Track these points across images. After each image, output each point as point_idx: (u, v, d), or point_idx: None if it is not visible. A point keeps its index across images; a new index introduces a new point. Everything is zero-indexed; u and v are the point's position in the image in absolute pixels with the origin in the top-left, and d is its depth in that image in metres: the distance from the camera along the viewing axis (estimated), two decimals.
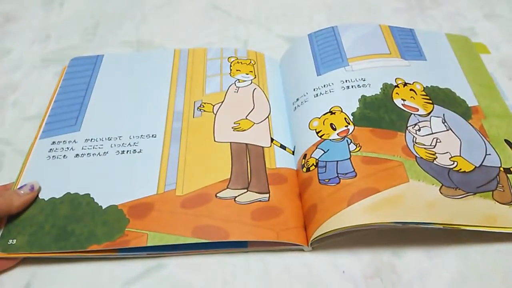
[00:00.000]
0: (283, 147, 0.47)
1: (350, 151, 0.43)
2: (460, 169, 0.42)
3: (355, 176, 0.41)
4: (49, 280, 0.40)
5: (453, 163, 0.42)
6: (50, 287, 0.39)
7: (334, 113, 0.46)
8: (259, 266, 0.40)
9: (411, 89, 0.48)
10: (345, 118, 0.45)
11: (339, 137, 0.44)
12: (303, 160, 0.44)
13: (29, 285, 0.40)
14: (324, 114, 0.46)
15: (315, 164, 0.43)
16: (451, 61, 0.53)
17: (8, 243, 0.40)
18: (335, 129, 0.45)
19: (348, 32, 0.54)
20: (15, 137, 0.52)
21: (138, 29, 0.66)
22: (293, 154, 0.47)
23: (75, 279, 0.40)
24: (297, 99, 0.50)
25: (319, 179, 0.42)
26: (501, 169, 0.43)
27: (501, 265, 0.39)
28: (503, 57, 0.58)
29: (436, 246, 0.41)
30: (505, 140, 0.45)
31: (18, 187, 0.43)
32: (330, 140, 0.44)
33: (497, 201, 0.41)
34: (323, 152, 0.44)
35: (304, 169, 0.44)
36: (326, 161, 0.43)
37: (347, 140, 0.44)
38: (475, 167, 0.42)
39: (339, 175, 0.41)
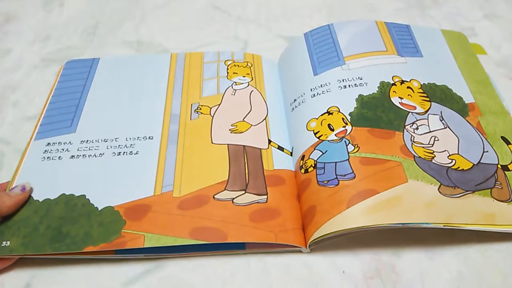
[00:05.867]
0: (280, 148, 0.47)
1: (348, 152, 0.43)
2: (459, 167, 0.42)
3: (354, 177, 0.41)
4: (49, 280, 0.39)
5: (452, 161, 0.42)
6: (50, 287, 0.39)
7: (332, 114, 0.46)
8: (259, 266, 0.40)
9: (408, 87, 0.48)
10: (342, 119, 0.45)
11: (337, 138, 0.44)
12: (301, 161, 0.44)
13: (29, 285, 0.39)
14: (321, 115, 0.46)
15: (313, 165, 0.43)
16: (447, 57, 0.54)
17: (2, 245, 0.39)
18: (333, 130, 0.45)
19: (344, 29, 0.54)
20: (15, 137, 0.51)
21: (138, 29, 0.66)
22: (291, 155, 0.46)
23: (75, 279, 0.39)
24: (295, 100, 0.50)
25: (317, 181, 0.42)
26: (499, 166, 0.43)
27: (501, 265, 0.39)
28: (503, 57, 0.58)
29: (436, 246, 0.40)
30: (502, 137, 0.45)
31: (10, 188, 0.43)
32: (328, 141, 0.44)
33: (496, 199, 0.41)
34: (321, 153, 0.44)
35: (302, 171, 0.44)
36: (324, 163, 0.43)
37: (345, 141, 0.44)
38: (473, 164, 0.43)
39: (338, 176, 0.41)
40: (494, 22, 0.64)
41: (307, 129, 0.46)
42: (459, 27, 0.63)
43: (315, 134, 0.45)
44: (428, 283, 0.38)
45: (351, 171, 0.41)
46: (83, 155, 0.46)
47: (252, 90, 0.52)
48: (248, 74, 0.54)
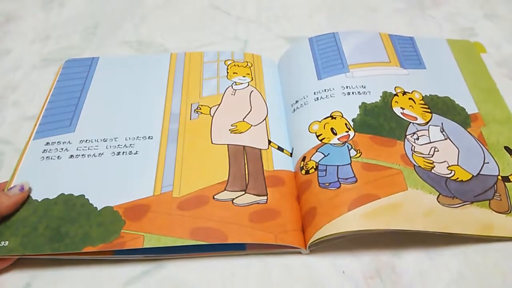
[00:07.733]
0: (280, 149, 0.47)
1: (350, 157, 0.43)
2: (458, 178, 0.42)
3: (356, 181, 0.41)
4: (49, 280, 0.39)
5: (451, 172, 0.43)
6: (50, 287, 0.39)
7: (335, 118, 0.46)
8: (259, 266, 0.40)
9: (410, 98, 0.48)
10: (345, 124, 0.45)
11: (339, 142, 0.44)
12: (302, 162, 0.44)
13: (29, 285, 0.39)
14: (324, 118, 0.46)
15: (314, 167, 0.43)
16: (451, 68, 0.54)
17: (0, 245, 0.39)
18: (336, 134, 0.45)
19: (348, 39, 0.55)
20: (15, 136, 0.51)
21: (138, 29, 0.66)
22: (291, 156, 0.46)
23: (75, 280, 0.39)
24: (297, 101, 0.50)
25: (319, 183, 0.42)
26: (499, 177, 0.43)
27: (501, 265, 0.39)
28: (503, 57, 0.58)
29: (436, 246, 0.40)
30: (505, 147, 0.45)
31: (9, 188, 0.42)
32: (330, 144, 0.44)
33: (494, 210, 0.41)
34: (323, 155, 0.44)
35: (303, 172, 0.43)
36: (326, 165, 0.43)
37: (347, 146, 0.44)
38: (473, 176, 0.43)
39: (340, 179, 0.41)
40: (494, 22, 0.65)
41: (309, 131, 0.46)
42: (459, 27, 0.63)
43: (317, 136, 0.45)
44: (428, 283, 0.38)
45: (353, 175, 0.41)
46: (82, 155, 0.46)
47: (252, 90, 0.52)
48: (248, 74, 0.54)
